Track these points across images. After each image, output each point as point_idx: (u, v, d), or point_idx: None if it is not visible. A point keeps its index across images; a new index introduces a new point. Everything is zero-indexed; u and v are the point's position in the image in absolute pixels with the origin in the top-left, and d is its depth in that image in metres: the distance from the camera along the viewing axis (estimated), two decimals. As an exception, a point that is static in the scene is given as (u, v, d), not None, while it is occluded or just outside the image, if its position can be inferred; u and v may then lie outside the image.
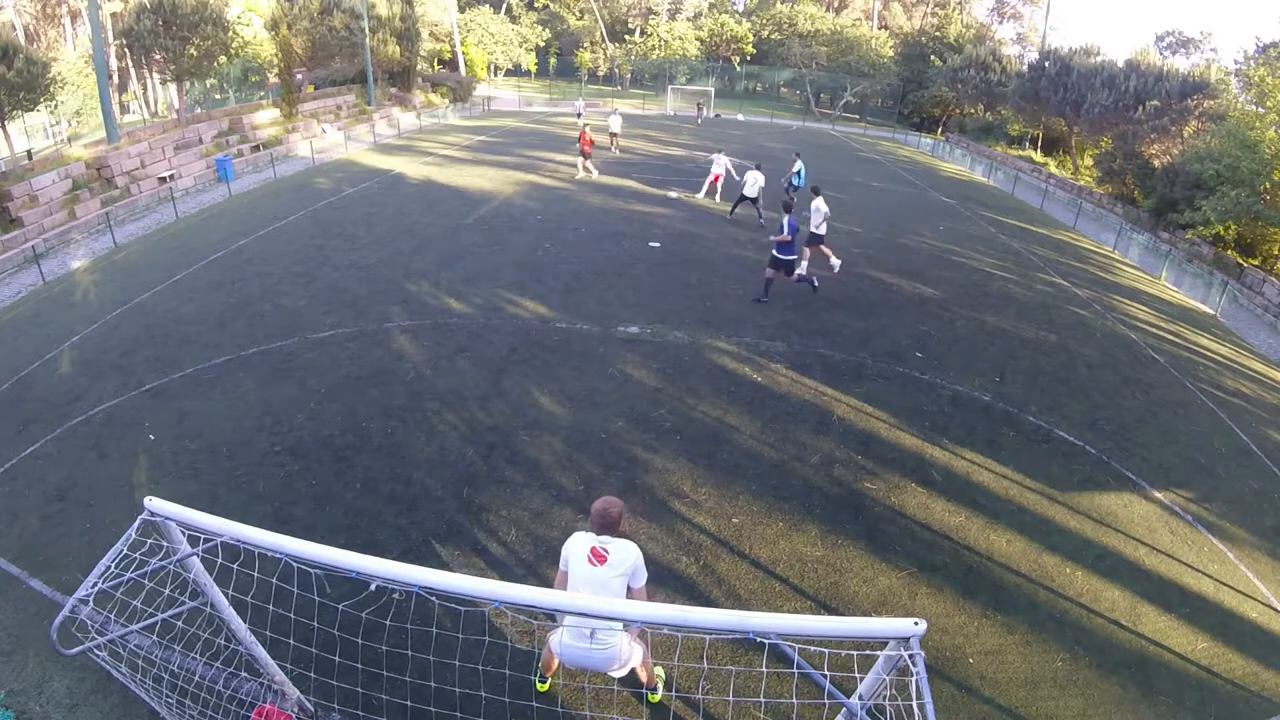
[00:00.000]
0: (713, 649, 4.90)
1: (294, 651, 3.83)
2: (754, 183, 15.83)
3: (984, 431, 8.24)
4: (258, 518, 6.00)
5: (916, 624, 2.37)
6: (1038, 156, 31.46)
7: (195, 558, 3.13)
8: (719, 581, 5.69)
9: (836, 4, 59.82)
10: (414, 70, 36.20)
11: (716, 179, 18.38)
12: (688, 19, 56.27)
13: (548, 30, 56.62)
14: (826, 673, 2.57)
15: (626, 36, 55.85)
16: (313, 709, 4.17)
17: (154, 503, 2.93)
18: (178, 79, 23.31)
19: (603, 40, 55.97)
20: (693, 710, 4.54)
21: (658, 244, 14.33)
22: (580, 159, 20.60)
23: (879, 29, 54.85)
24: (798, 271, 11.90)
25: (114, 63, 33.26)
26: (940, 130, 43.09)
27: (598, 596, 3.52)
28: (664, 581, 5.56)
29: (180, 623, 3.55)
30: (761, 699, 4.56)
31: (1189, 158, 19.63)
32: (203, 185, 19.36)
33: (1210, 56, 42.59)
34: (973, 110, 40.33)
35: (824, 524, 6.43)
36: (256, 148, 22.67)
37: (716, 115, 41.82)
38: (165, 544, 3.09)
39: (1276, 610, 5.99)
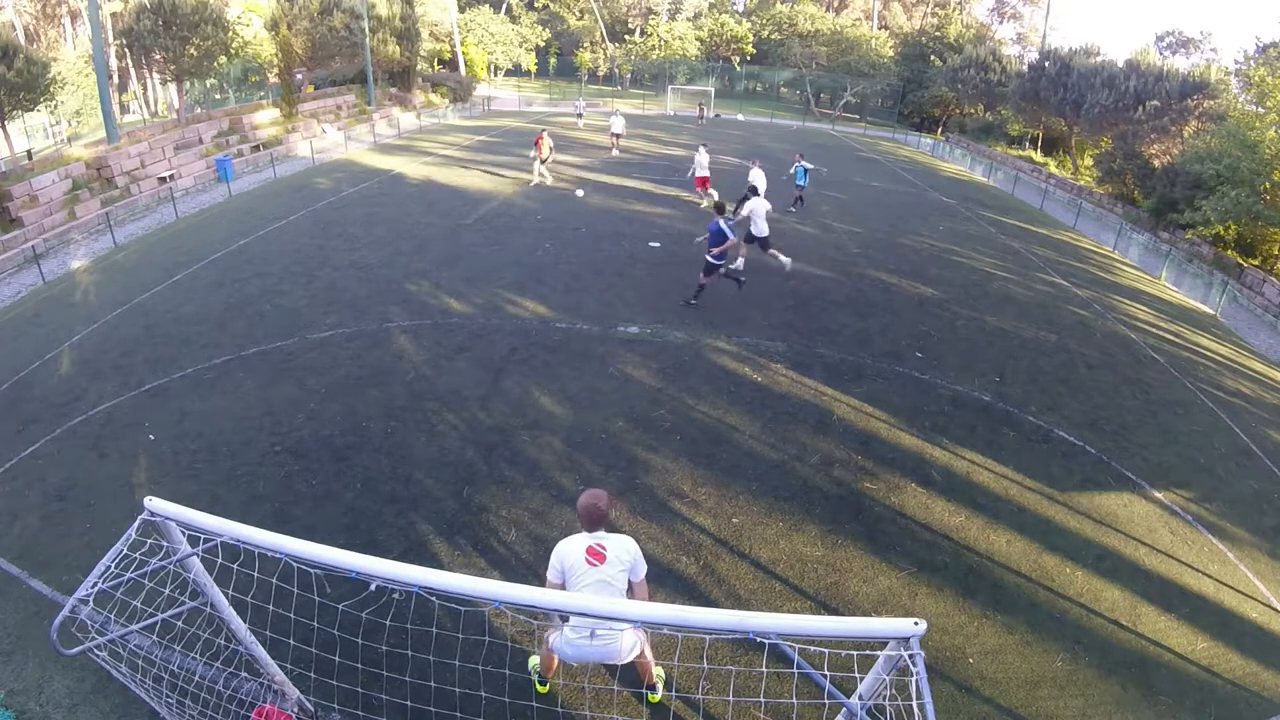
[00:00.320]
0: (713, 649, 4.90)
1: (294, 651, 3.83)
2: (757, 179, 15.73)
3: (984, 431, 8.24)
4: (258, 518, 6.00)
5: (916, 624, 2.37)
6: (1038, 156, 31.45)
7: (195, 558, 3.13)
8: (719, 581, 5.69)
9: (836, 4, 59.81)
10: (414, 70, 36.20)
11: (705, 182, 17.53)
12: (688, 19, 56.25)
13: (548, 30, 56.62)
14: (826, 673, 2.56)
15: (626, 36, 55.84)
16: (313, 709, 4.17)
17: (154, 503, 2.93)
18: (178, 79, 23.32)
19: (603, 40, 55.98)
20: (693, 710, 4.54)
21: (658, 244, 14.33)
22: (536, 164, 19.24)
23: (879, 29, 54.84)
24: (731, 266, 11.63)
25: (114, 63, 33.27)
26: (940, 130, 43.06)
27: (603, 596, 3.50)
28: (664, 581, 5.56)
29: (180, 623, 3.55)
30: (761, 699, 4.56)
31: (1189, 158, 19.62)
32: (203, 185, 19.36)
33: (1210, 56, 42.59)
34: (973, 110, 40.33)
35: (824, 524, 6.43)
36: (256, 148, 22.67)
37: (716, 115, 41.81)
38: (165, 544, 3.09)
39: (1276, 610, 5.99)
